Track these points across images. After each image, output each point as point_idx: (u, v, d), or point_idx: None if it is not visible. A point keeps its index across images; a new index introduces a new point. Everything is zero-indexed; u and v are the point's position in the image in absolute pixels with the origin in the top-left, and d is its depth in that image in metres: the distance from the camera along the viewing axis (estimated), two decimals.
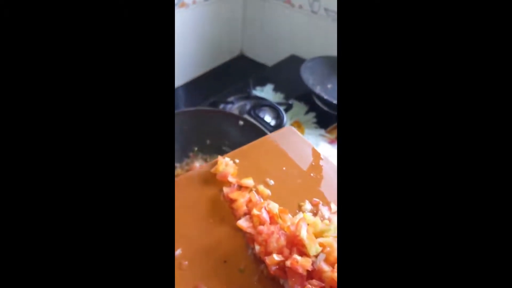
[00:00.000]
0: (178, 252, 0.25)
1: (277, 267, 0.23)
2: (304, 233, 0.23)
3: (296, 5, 0.87)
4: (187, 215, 0.27)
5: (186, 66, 0.91)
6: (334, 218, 0.27)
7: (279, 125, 0.61)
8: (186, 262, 0.24)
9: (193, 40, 0.89)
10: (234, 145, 0.55)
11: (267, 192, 0.29)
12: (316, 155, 0.34)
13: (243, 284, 0.23)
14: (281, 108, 0.66)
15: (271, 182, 0.31)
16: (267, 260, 0.23)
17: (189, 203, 0.28)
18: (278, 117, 0.64)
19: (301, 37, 0.90)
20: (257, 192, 0.29)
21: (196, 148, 0.55)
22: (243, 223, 0.26)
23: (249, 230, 0.25)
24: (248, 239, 0.26)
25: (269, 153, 0.34)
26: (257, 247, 0.24)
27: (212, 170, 0.30)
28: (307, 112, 0.73)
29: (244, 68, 1.05)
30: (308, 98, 0.75)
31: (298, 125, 0.71)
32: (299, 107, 0.74)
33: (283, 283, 0.23)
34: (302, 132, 0.70)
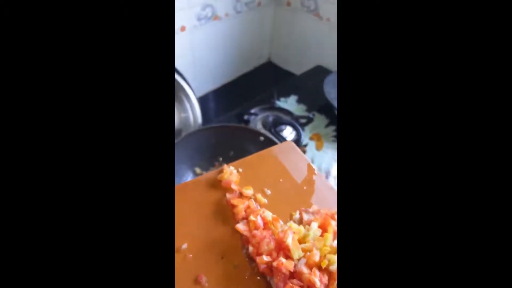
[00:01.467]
0: (184, 246, 0.29)
1: (266, 266, 0.26)
2: (289, 240, 0.26)
3: (324, 18, 0.89)
4: (194, 215, 0.31)
5: (216, 72, 0.97)
6: (314, 224, 0.29)
7: (296, 142, 0.65)
8: (191, 255, 0.28)
9: (224, 49, 0.95)
10: None
11: (264, 200, 0.33)
12: (311, 170, 0.37)
13: (236, 278, 0.27)
14: (299, 126, 0.70)
15: (268, 192, 0.34)
16: (258, 259, 0.27)
17: (197, 204, 0.32)
18: (297, 133, 0.68)
19: (328, 49, 0.92)
20: (255, 200, 0.33)
21: (221, 159, 0.61)
22: (241, 226, 0.29)
23: (245, 233, 0.29)
24: (244, 240, 0.29)
25: (269, 165, 0.37)
26: (250, 248, 0.28)
27: (218, 177, 0.34)
28: (327, 125, 0.75)
29: (271, 75, 1.09)
30: (329, 111, 0.77)
31: (317, 137, 0.74)
32: (320, 120, 0.77)
33: (269, 280, 0.27)
34: (321, 145, 0.73)
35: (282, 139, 0.65)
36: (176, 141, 0.54)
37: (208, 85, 0.98)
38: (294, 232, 0.28)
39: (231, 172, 0.35)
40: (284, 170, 0.37)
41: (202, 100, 0.88)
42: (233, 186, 0.33)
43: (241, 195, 0.33)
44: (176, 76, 0.66)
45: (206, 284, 0.27)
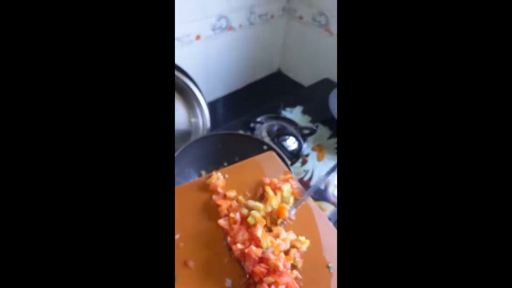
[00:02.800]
0: (177, 236, 0.35)
1: (240, 252, 0.32)
2: (259, 233, 0.33)
3: (334, 33, 0.92)
4: (186, 212, 0.38)
5: (227, 79, 1.02)
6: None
7: (297, 153, 0.68)
8: (182, 244, 0.35)
9: (236, 58, 0.99)
10: None
11: (244, 201, 0.39)
12: (286, 174, 0.43)
13: (217, 263, 0.33)
14: (301, 137, 0.73)
15: (248, 194, 0.40)
16: (233, 247, 0.33)
17: (189, 203, 0.39)
18: (299, 143, 0.72)
19: (336, 63, 0.95)
20: (237, 201, 0.39)
21: (226, 164, 0.64)
22: (222, 221, 0.36)
23: (226, 227, 0.35)
24: (224, 233, 0.36)
25: (251, 172, 0.43)
26: (228, 239, 0.34)
27: (207, 181, 0.41)
28: (330, 137, 0.78)
29: (279, 85, 1.12)
30: (332, 123, 0.80)
31: (320, 148, 0.77)
32: (323, 131, 0.80)
33: (243, 265, 0.33)
34: (323, 156, 0.76)
35: (284, 149, 0.68)
36: (184, 146, 0.58)
37: (219, 91, 1.02)
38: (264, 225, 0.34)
39: (218, 177, 0.41)
40: (264, 176, 0.43)
41: (212, 105, 0.92)
42: (219, 190, 0.40)
43: (225, 196, 0.39)
44: (189, 83, 0.70)
45: (193, 268, 0.33)
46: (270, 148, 0.59)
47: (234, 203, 0.38)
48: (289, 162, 0.57)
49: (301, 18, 0.99)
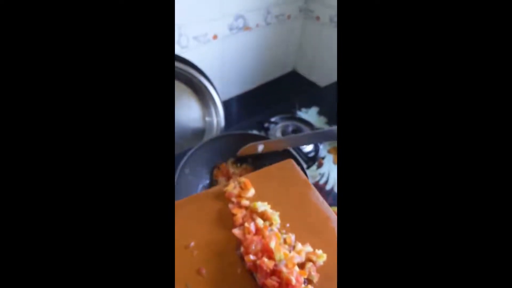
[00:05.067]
0: (192, 243, 0.35)
1: (252, 264, 0.31)
2: (272, 244, 0.32)
3: None
4: (202, 219, 0.37)
5: (243, 78, 1.01)
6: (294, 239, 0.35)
7: (313, 156, 0.67)
8: (196, 252, 0.34)
9: (252, 57, 0.99)
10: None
11: (260, 210, 0.38)
12: (308, 187, 0.41)
13: (230, 272, 0.33)
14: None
15: (265, 203, 0.39)
16: (246, 258, 0.32)
17: (205, 211, 0.38)
18: (315, 146, 0.70)
19: None
20: (252, 210, 0.38)
21: (239, 164, 0.64)
22: (236, 231, 0.35)
23: (240, 236, 0.34)
24: (238, 242, 0.35)
25: (268, 181, 0.42)
26: (242, 249, 0.33)
27: (224, 189, 0.40)
28: None
29: (295, 84, 1.11)
30: None
31: (335, 151, 0.76)
32: None
33: (255, 276, 0.32)
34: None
35: (299, 151, 0.67)
36: (197, 145, 0.58)
37: (234, 90, 1.02)
38: (277, 237, 0.33)
39: (235, 186, 0.40)
40: (282, 186, 0.41)
41: (226, 104, 0.92)
42: (233, 199, 0.39)
43: (240, 205, 0.38)
44: (205, 82, 0.70)
45: (206, 275, 0.32)
46: (284, 150, 0.59)
47: (250, 213, 0.37)
48: (305, 166, 0.56)
49: (318, 18, 0.98)
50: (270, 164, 0.61)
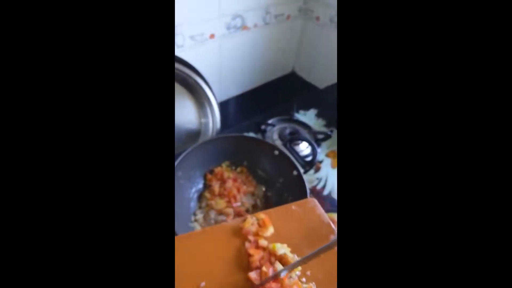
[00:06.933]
0: (202, 284, 0.31)
1: None
2: None
3: None
4: (215, 257, 0.34)
5: (240, 79, 0.99)
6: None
7: (311, 161, 0.64)
8: None
9: (250, 57, 0.97)
10: (266, 170, 0.61)
11: (279, 253, 0.34)
12: (331, 231, 0.37)
13: None
14: (315, 143, 0.69)
15: (284, 245, 0.35)
16: None
17: (219, 248, 0.35)
18: (313, 149, 0.68)
19: None
20: (270, 252, 0.34)
21: (234, 168, 0.62)
22: (253, 275, 0.32)
23: (256, 282, 0.31)
24: (254, 287, 0.31)
25: (289, 220, 0.38)
26: None
27: (241, 224, 0.37)
28: None
29: (293, 86, 1.10)
30: None
31: (334, 155, 0.74)
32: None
33: None
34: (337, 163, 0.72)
35: (297, 155, 0.65)
36: (192, 146, 0.56)
37: (230, 91, 1.00)
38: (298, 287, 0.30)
39: (252, 223, 0.37)
40: (303, 227, 0.38)
41: (223, 105, 0.90)
42: (250, 237, 0.36)
43: (258, 245, 0.35)
44: (200, 82, 0.68)
45: None
46: (281, 154, 0.57)
47: (267, 255, 0.34)
48: (302, 170, 0.54)
49: (317, 19, 0.96)
50: (268, 168, 0.59)
